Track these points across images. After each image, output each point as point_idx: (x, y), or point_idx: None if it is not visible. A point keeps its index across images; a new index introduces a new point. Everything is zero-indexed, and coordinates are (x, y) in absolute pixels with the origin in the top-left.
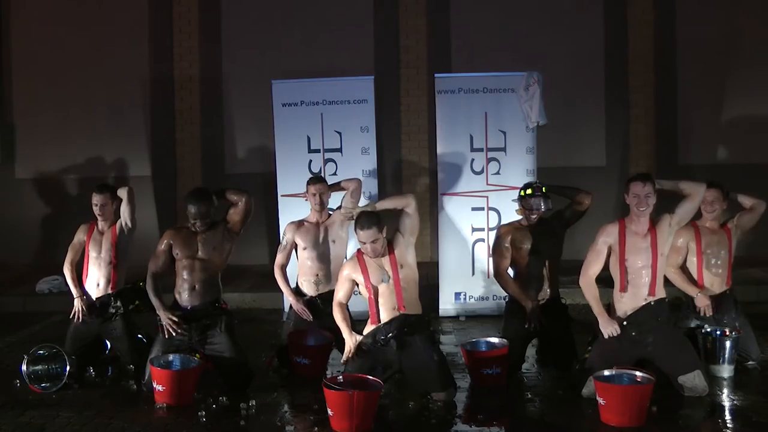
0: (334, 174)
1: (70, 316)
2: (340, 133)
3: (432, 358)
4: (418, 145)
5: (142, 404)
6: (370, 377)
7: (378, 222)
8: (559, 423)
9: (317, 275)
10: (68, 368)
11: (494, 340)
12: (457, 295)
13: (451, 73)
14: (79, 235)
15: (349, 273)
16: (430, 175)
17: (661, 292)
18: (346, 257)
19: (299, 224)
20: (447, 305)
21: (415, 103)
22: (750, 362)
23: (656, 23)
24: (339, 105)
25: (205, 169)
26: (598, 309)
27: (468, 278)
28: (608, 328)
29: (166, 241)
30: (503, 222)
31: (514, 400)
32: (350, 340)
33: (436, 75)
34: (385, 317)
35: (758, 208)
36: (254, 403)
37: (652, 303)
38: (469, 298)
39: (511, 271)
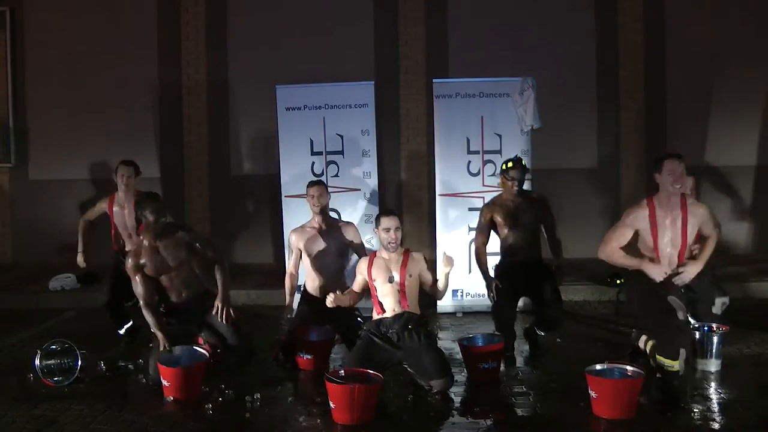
0: (336, 176)
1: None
2: (341, 136)
3: (431, 348)
4: (416, 147)
5: (151, 397)
6: (371, 371)
7: (399, 219)
8: (552, 415)
9: (323, 286)
10: (80, 363)
11: (490, 335)
12: (455, 292)
13: (449, 78)
14: (101, 205)
15: (359, 268)
16: (428, 177)
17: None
18: (350, 261)
19: (301, 230)
20: (445, 302)
21: (414, 107)
22: (721, 302)
23: (646, 29)
24: (341, 109)
25: (211, 170)
26: (636, 262)
27: (465, 276)
28: (656, 270)
29: (134, 263)
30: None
31: (509, 393)
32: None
33: (434, 80)
34: (389, 313)
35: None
36: (259, 396)
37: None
38: (466, 295)
39: (498, 242)
